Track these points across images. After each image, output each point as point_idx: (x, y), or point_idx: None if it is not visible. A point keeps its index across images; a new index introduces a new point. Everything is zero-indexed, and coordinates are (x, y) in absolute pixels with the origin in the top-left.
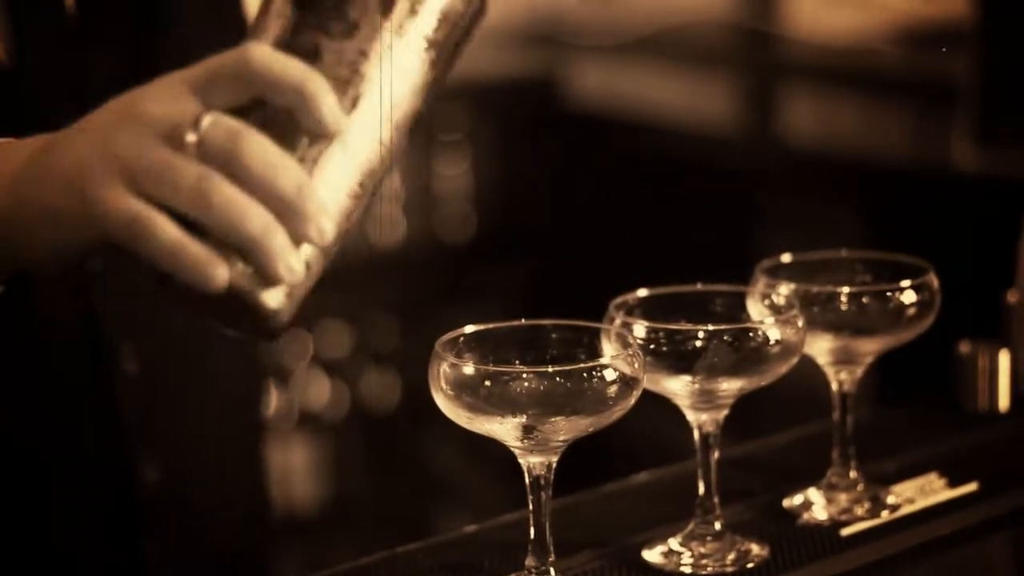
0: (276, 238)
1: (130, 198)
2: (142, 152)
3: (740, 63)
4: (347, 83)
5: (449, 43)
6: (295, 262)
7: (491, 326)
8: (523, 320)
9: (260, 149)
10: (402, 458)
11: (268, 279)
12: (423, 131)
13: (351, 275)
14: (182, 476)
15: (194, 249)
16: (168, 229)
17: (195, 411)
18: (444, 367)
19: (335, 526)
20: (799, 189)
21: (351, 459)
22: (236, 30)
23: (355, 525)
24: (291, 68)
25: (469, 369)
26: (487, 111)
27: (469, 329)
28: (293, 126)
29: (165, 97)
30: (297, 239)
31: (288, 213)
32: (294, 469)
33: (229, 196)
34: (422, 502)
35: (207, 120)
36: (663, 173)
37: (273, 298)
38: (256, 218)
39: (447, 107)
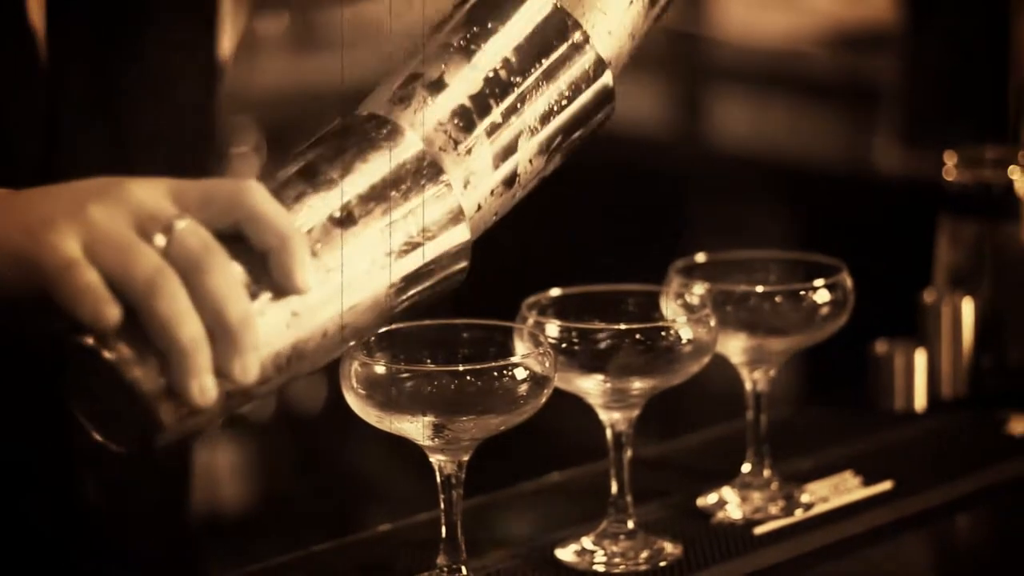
0: (202, 354)
1: (77, 251)
2: (110, 225)
3: (669, 65)
4: (323, 269)
5: (423, 292)
6: (210, 386)
7: (402, 325)
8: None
9: (224, 269)
10: (329, 458)
11: (176, 391)
12: None
13: None
14: (115, 479)
15: (101, 291)
16: (91, 276)
17: None
18: (355, 366)
19: (262, 526)
20: (727, 191)
21: (278, 459)
22: (208, 72)
23: (282, 525)
24: (284, 217)
25: (380, 368)
26: None
27: (380, 328)
28: (259, 270)
29: (153, 191)
30: (220, 367)
31: (223, 338)
32: (221, 469)
33: (176, 296)
34: (349, 502)
35: (183, 223)
36: (591, 175)
37: (167, 413)
38: (191, 327)
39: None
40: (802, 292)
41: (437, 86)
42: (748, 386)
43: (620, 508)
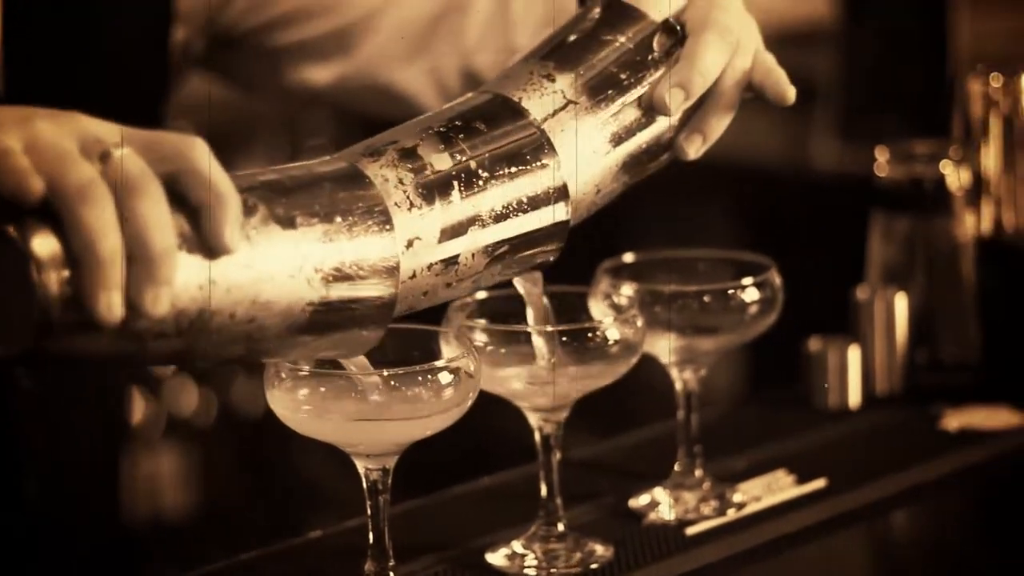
0: (117, 270)
1: (15, 145)
2: (54, 135)
3: None
4: (252, 253)
5: (334, 333)
6: (117, 304)
7: None
8: None
9: (157, 198)
10: (271, 463)
11: (82, 303)
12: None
13: None
14: (56, 484)
15: (28, 169)
16: (22, 160)
17: (66, 420)
18: (280, 370)
19: (204, 532)
20: (658, 187)
21: (220, 465)
22: (161, 76)
23: (224, 531)
24: (223, 177)
25: (303, 372)
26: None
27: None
28: (190, 226)
29: (102, 124)
30: (131, 293)
31: (141, 264)
32: (162, 476)
33: (104, 208)
34: (292, 507)
35: (125, 151)
36: None
37: (61, 318)
38: (112, 240)
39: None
40: (731, 291)
41: (409, 154)
42: (679, 386)
43: (550, 511)
